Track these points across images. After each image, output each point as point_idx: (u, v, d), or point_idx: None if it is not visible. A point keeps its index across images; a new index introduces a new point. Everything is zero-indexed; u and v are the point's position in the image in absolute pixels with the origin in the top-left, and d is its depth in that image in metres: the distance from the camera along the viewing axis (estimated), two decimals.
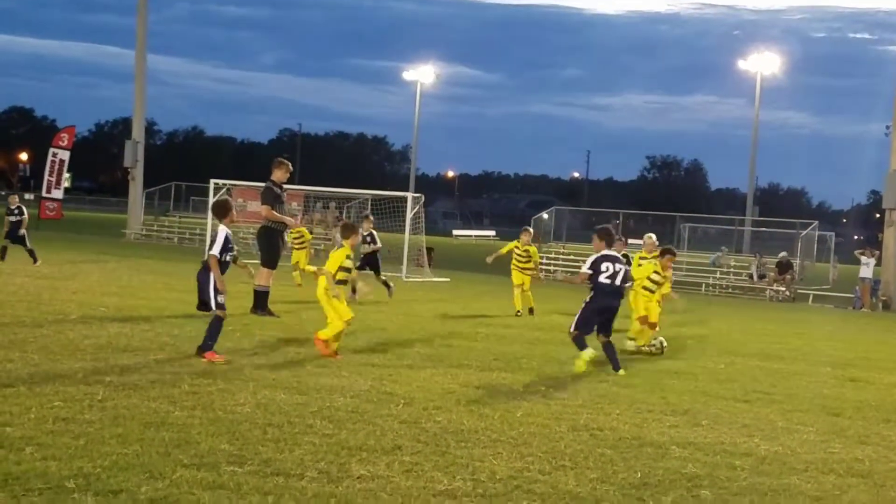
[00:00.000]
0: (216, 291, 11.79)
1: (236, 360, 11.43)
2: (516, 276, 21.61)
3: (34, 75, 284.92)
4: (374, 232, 23.44)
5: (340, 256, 12.93)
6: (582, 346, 13.16)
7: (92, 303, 17.12)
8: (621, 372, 13.03)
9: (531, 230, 22.47)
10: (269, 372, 11.19)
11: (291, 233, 26.59)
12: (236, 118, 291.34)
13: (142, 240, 51.32)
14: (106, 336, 13.19)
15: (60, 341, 12.46)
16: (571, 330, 13.32)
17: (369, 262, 23.02)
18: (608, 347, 13.38)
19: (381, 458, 7.63)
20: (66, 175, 52.47)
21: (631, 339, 16.29)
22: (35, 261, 25.63)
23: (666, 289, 16.82)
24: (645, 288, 16.44)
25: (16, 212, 26.80)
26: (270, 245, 17.34)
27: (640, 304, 16.41)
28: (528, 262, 21.61)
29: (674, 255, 17.38)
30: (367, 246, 22.76)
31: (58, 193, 51.32)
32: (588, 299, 13.36)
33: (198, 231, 49.76)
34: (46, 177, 51.29)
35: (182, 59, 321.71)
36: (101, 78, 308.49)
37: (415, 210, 35.70)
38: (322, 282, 12.86)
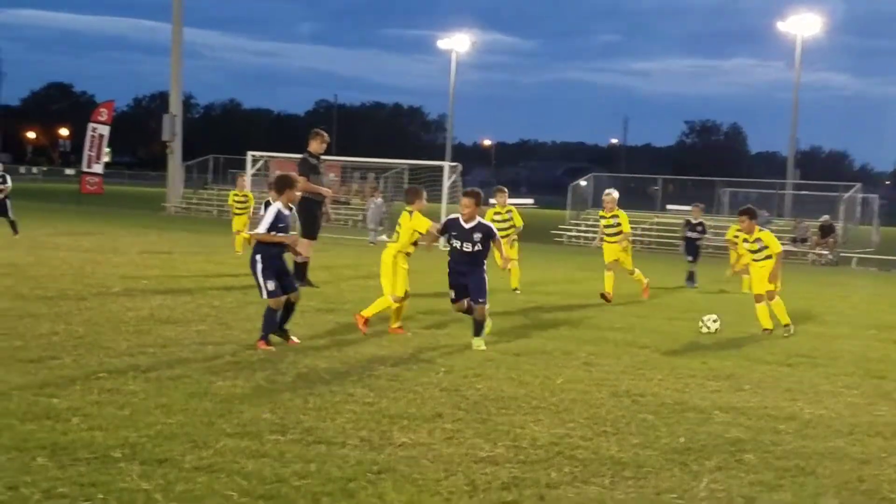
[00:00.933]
0: (265, 279, 10.91)
1: (276, 331, 11.40)
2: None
3: (71, 51, 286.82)
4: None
5: (426, 222, 12.13)
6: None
7: (134, 275, 17.28)
8: None
9: (505, 189, 19.78)
10: (310, 342, 11.24)
11: (236, 196, 26.24)
12: (272, 90, 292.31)
13: (181, 213, 51.62)
14: (148, 308, 13.31)
15: (104, 314, 12.59)
16: (486, 303, 11.92)
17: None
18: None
19: (422, 426, 7.65)
20: (106, 150, 52.85)
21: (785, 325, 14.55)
22: (16, 232, 24.97)
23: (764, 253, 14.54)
24: (754, 260, 14.75)
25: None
26: (309, 216, 17.36)
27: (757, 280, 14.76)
28: (510, 227, 18.81)
29: (747, 214, 14.92)
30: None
31: (98, 168, 51.73)
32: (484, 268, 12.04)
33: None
34: (86, 152, 51.70)
35: (218, 32, 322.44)
36: (139, 52, 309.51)
37: (452, 179, 35.64)
38: (391, 249, 12.24)
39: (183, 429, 7.15)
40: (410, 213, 12.24)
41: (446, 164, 36.40)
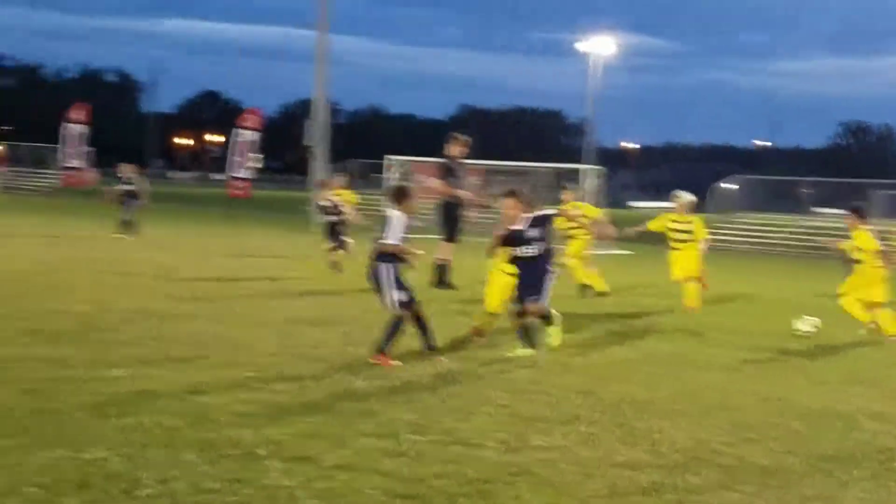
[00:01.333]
0: (393, 288, 10.11)
1: (414, 333, 11.01)
2: (569, 246, 17.44)
3: (219, 59, 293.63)
4: (335, 199, 20.74)
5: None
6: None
7: (280, 277, 17.71)
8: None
9: (569, 188, 18.62)
10: (447, 343, 11.28)
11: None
12: (416, 95, 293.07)
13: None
14: (295, 309, 13.62)
15: (253, 315, 12.94)
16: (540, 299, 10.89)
17: (332, 233, 20.31)
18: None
19: (558, 429, 7.64)
20: (257, 156, 54.10)
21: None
22: (131, 233, 25.43)
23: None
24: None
25: (124, 180, 26.81)
26: (449, 219, 17.51)
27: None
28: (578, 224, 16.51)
29: (854, 214, 14.38)
30: (329, 217, 20.48)
31: (245, 173, 53.06)
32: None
33: (377, 208, 50.54)
34: (233, 157, 53.12)
35: (362, 38, 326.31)
36: (285, 60, 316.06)
37: (595, 183, 35.38)
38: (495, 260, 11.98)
39: (324, 428, 7.30)
40: None
41: (586, 168, 36.15)
